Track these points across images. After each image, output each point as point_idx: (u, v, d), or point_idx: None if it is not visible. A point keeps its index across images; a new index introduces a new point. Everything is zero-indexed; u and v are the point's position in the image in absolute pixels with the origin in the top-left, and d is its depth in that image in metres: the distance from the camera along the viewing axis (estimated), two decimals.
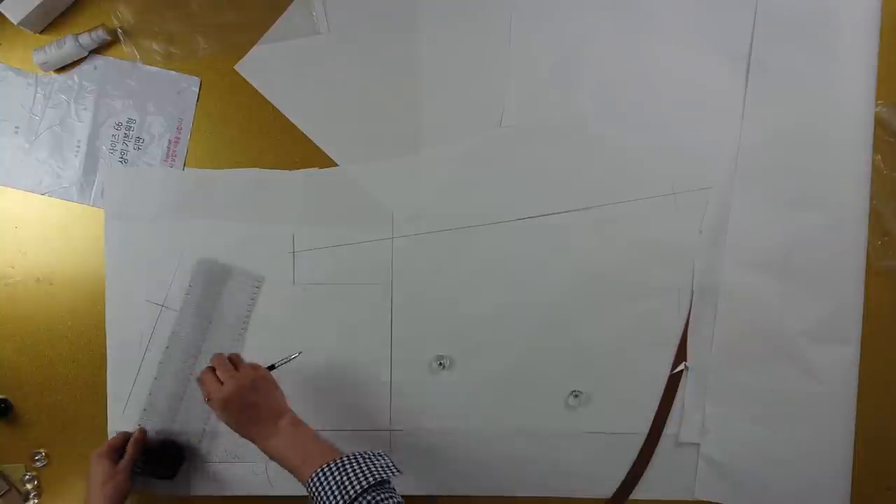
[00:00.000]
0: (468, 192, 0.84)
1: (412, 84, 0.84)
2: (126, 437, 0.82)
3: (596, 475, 0.86)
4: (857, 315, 0.82)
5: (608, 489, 0.86)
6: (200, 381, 0.72)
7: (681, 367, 0.84)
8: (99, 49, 0.85)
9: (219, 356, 0.74)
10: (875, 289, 0.82)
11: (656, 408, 0.85)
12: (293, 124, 0.85)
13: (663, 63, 0.82)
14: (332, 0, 0.83)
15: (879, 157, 0.82)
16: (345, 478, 0.61)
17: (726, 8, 0.81)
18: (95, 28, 0.82)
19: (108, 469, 0.78)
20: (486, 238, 0.84)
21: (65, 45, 0.82)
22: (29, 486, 0.89)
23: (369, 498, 0.60)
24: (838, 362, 0.82)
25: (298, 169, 0.85)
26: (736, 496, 0.85)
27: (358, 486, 0.60)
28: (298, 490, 0.85)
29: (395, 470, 0.64)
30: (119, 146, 0.86)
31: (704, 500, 0.85)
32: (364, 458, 0.64)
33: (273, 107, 0.85)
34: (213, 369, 0.72)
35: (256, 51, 0.84)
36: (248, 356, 0.76)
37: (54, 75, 0.85)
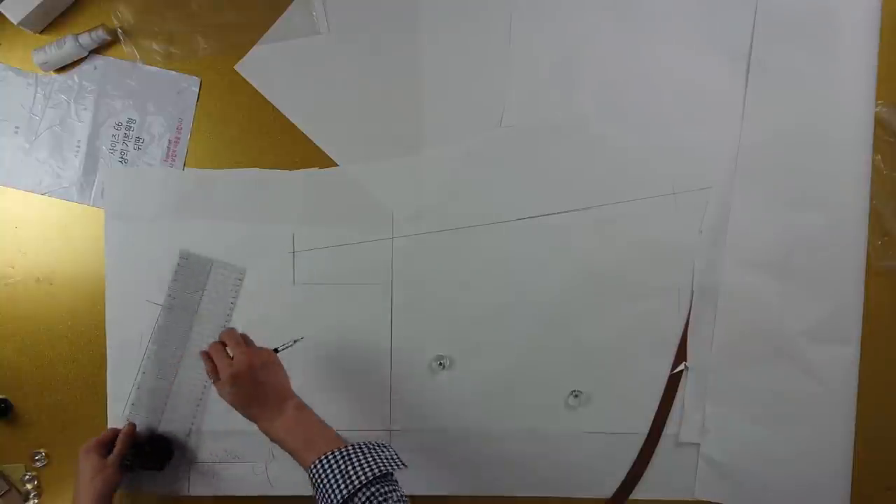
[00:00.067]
0: (468, 192, 0.84)
1: (412, 84, 0.84)
2: (115, 433, 0.82)
3: (596, 475, 0.86)
4: (857, 315, 0.82)
5: (608, 489, 0.86)
6: (209, 355, 0.71)
7: (681, 367, 0.84)
8: (99, 49, 0.85)
9: (230, 331, 0.73)
10: (875, 289, 0.82)
11: (656, 408, 0.85)
12: (293, 124, 0.85)
13: (663, 63, 0.82)
14: (332, 0, 0.83)
15: (879, 157, 0.82)
16: (349, 467, 0.61)
17: (726, 8, 0.81)
18: (95, 28, 0.83)
19: (97, 463, 0.78)
20: (486, 238, 0.84)
21: (65, 45, 0.82)
22: (29, 486, 0.89)
23: (373, 490, 0.60)
24: (838, 362, 0.82)
25: (298, 169, 0.85)
26: (736, 496, 0.85)
27: (363, 477, 0.60)
28: (298, 490, 0.85)
29: (399, 463, 0.64)
30: (119, 146, 0.86)
31: (704, 500, 0.85)
32: (369, 449, 0.63)
33: (273, 107, 0.85)
34: (223, 344, 0.72)
35: (256, 51, 0.84)
36: None
37: (54, 75, 0.85)
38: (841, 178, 0.81)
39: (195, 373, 0.85)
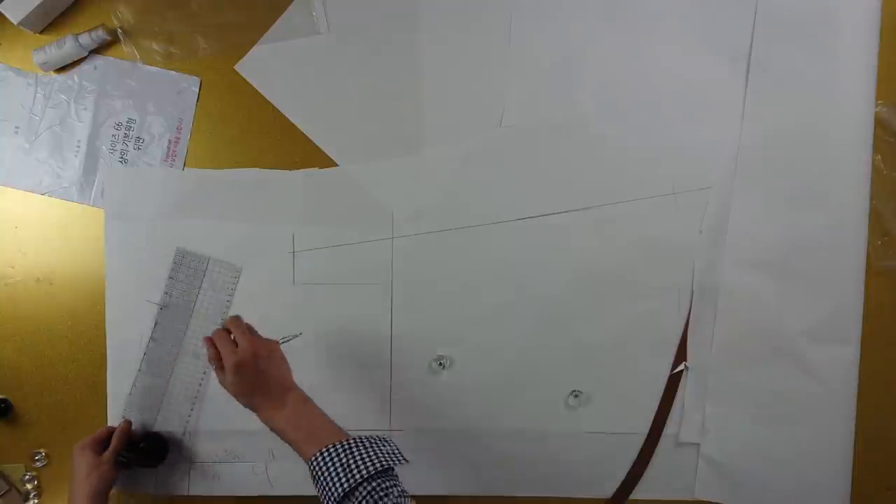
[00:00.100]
0: (468, 192, 0.84)
1: (412, 84, 0.84)
2: (110, 431, 0.82)
3: (596, 475, 0.86)
4: (857, 315, 0.82)
5: (608, 489, 0.86)
6: (213, 341, 0.70)
7: (681, 367, 0.84)
8: (99, 49, 0.85)
9: (235, 319, 0.72)
10: (875, 289, 0.82)
11: (656, 408, 0.85)
12: (293, 124, 0.85)
13: (663, 63, 0.82)
14: (332, 0, 0.83)
15: (879, 157, 0.82)
16: (351, 461, 0.60)
17: (726, 8, 0.81)
18: (95, 28, 0.83)
19: (92, 460, 0.78)
20: (486, 238, 0.84)
21: (65, 45, 0.82)
22: (29, 486, 0.89)
23: (374, 485, 0.59)
24: (838, 362, 0.82)
25: (298, 169, 0.85)
26: (736, 496, 0.85)
27: (364, 471, 0.60)
28: (298, 490, 0.85)
29: (401, 458, 0.63)
30: (119, 146, 0.86)
31: (704, 500, 0.85)
32: (371, 443, 0.63)
33: (273, 107, 0.85)
34: (227, 332, 0.71)
35: (256, 51, 0.84)
36: None
37: (54, 75, 0.85)
38: (841, 178, 0.81)
39: (191, 371, 0.85)
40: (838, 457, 0.83)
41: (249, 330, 0.73)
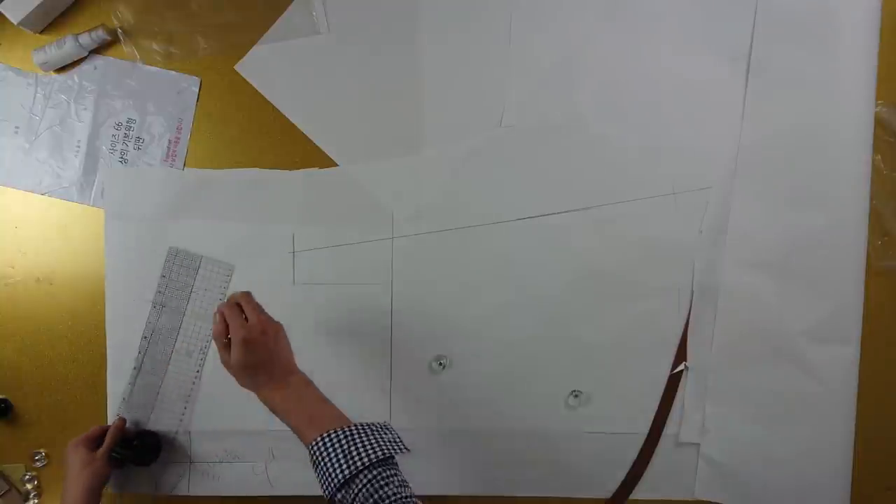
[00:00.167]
0: (468, 192, 0.84)
1: (412, 84, 0.84)
2: (103, 429, 0.83)
3: (596, 475, 0.86)
4: (857, 315, 0.82)
5: (608, 489, 0.86)
6: (223, 314, 0.69)
7: (681, 367, 0.84)
8: (99, 49, 0.85)
9: (247, 294, 0.72)
10: (875, 289, 0.82)
11: (656, 408, 0.85)
12: (293, 124, 0.85)
13: (663, 63, 0.82)
14: (332, 0, 0.83)
15: (879, 157, 0.82)
16: (352, 448, 0.60)
17: (726, 8, 0.81)
18: (95, 28, 0.83)
19: (85, 456, 0.78)
20: (486, 238, 0.84)
21: (65, 45, 0.82)
22: (29, 486, 0.89)
23: (375, 473, 0.59)
24: (838, 362, 0.82)
25: (298, 169, 0.85)
26: (736, 496, 0.85)
27: (366, 459, 0.59)
28: (298, 490, 0.85)
29: (402, 446, 0.63)
30: (119, 146, 0.86)
31: (704, 500, 0.85)
32: (373, 430, 0.63)
33: (273, 107, 0.85)
34: (238, 307, 0.70)
35: (256, 51, 0.84)
36: None
37: (54, 75, 0.85)
38: (841, 178, 0.81)
39: (185, 370, 0.85)
40: (838, 457, 0.83)
41: (259, 309, 0.72)
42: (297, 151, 0.85)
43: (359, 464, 0.59)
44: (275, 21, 0.84)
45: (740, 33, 0.81)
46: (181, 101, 0.85)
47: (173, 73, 0.85)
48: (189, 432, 0.86)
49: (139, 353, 0.85)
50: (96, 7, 0.85)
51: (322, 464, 0.60)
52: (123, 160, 0.86)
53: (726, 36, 0.82)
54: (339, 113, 0.84)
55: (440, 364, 0.85)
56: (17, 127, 0.86)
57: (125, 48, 0.85)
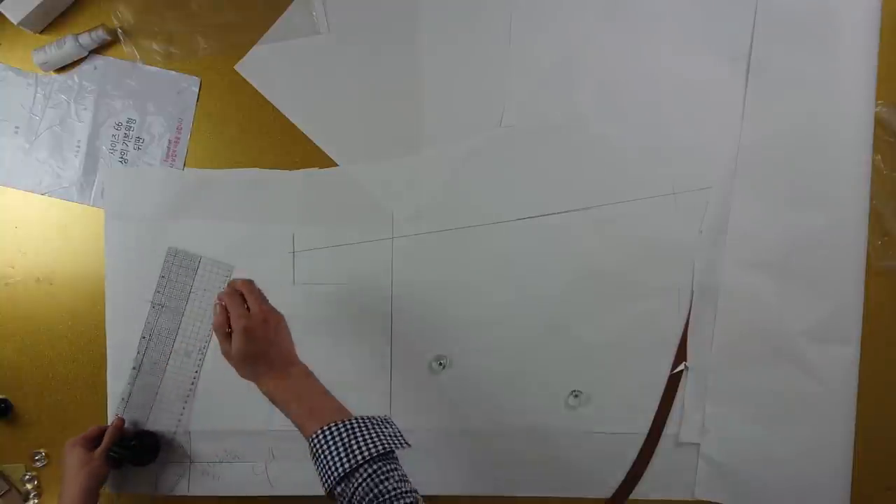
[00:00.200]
0: (468, 192, 0.84)
1: (412, 84, 0.84)
2: (102, 429, 0.83)
3: (596, 475, 0.86)
4: (857, 315, 0.82)
5: (608, 489, 0.86)
6: (225, 301, 0.68)
7: (681, 367, 0.84)
8: (99, 49, 0.85)
9: (249, 283, 0.71)
10: (875, 289, 0.82)
11: (656, 408, 0.85)
12: (293, 124, 0.85)
13: (663, 63, 0.82)
14: (332, 0, 0.83)
15: (879, 157, 0.82)
16: (352, 441, 0.60)
17: (726, 8, 0.81)
18: (95, 28, 0.83)
19: (83, 456, 0.78)
20: (486, 238, 0.84)
21: (65, 45, 0.82)
22: (29, 486, 0.89)
23: (375, 467, 0.58)
24: (838, 362, 0.82)
25: (298, 169, 0.85)
26: (736, 496, 0.85)
27: (367, 453, 0.59)
28: (298, 490, 0.85)
29: (403, 441, 0.62)
30: (119, 146, 0.86)
31: (704, 500, 0.85)
32: (374, 424, 0.62)
33: (273, 107, 0.85)
34: (240, 295, 0.69)
35: (256, 51, 0.84)
36: None
37: (54, 75, 0.85)
38: (841, 178, 0.81)
39: (183, 370, 0.85)
40: (838, 457, 0.83)
41: (262, 298, 0.72)
42: (297, 151, 0.85)
43: (359, 457, 0.58)
44: (275, 21, 0.84)
45: (740, 33, 0.81)
46: (181, 101, 0.85)
47: (173, 73, 0.85)
48: (189, 432, 0.86)
49: (138, 353, 0.85)
50: (96, 7, 0.85)
51: (322, 457, 0.60)
52: (123, 160, 0.86)
53: (726, 36, 0.82)
54: (339, 113, 0.84)
55: (440, 364, 0.85)
56: (17, 127, 0.86)
57: (125, 48, 0.85)
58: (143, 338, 0.85)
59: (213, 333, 0.70)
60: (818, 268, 0.81)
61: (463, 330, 0.85)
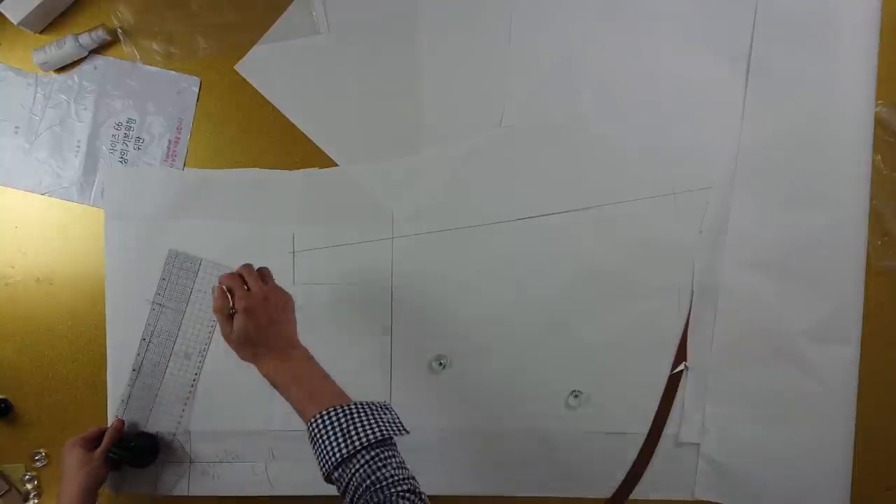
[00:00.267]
0: (468, 192, 0.84)
1: (412, 84, 0.84)
2: (101, 430, 0.83)
3: (596, 475, 0.86)
4: (857, 315, 0.82)
5: (608, 489, 0.86)
6: (225, 283, 0.68)
7: (681, 367, 0.84)
8: (99, 49, 0.85)
9: (248, 266, 0.71)
10: (875, 289, 0.82)
11: (656, 408, 0.85)
12: (293, 124, 0.85)
13: (663, 63, 0.82)
14: (332, 0, 0.83)
15: (879, 157, 0.82)
16: (351, 427, 0.59)
17: (726, 8, 0.81)
18: (95, 28, 0.83)
19: (82, 456, 0.78)
20: (486, 238, 0.84)
21: (65, 45, 0.82)
22: (29, 486, 0.89)
23: (373, 453, 0.58)
24: (838, 362, 0.82)
25: (298, 169, 0.85)
26: (736, 496, 0.85)
27: (364, 439, 0.59)
28: (298, 490, 0.85)
29: (402, 428, 0.62)
30: (119, 146, 0.86)
31: (704, 500, 0.85)
32: (373, 410, 0.62)
33: (273, 107, 0.85)
34: (241, 277, 0.69)
35: (256, 51, 0.84)
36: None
37: (54, 75, 0.85)
38: (841, 178, 0.81)
39: (183, 372, 0.85)
40: (838, 457, 0.83)
41: (264, 276, 0.72)
42: (297, 151, 0.85)
43: (357, 444, 0.58)
44: (275, 21, 0.84)
45: (740, 33, 0.81)
46: (181, 101, 0.85)
47: (173, 73, 0.85)
48: (188, 432, 0.86)
49: (138, 355, 0.85)
50: (96, 7, 0.85)
51: (320, 441, 0.60)
52: (123, 160, 0.86)
53: (726, 36, 0.82)
54: (339, 113, 0.84)
55: (440, 364, 0.85)
56: (17, 127, 0.86)
57: (125, 48, 0.85)
58: (144, 339, 0.85)
59: (214, 316, 0.69)
60: (818, 268, 0.81)
61: (463, 330, 0.85)
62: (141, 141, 0.86)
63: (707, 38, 0.82)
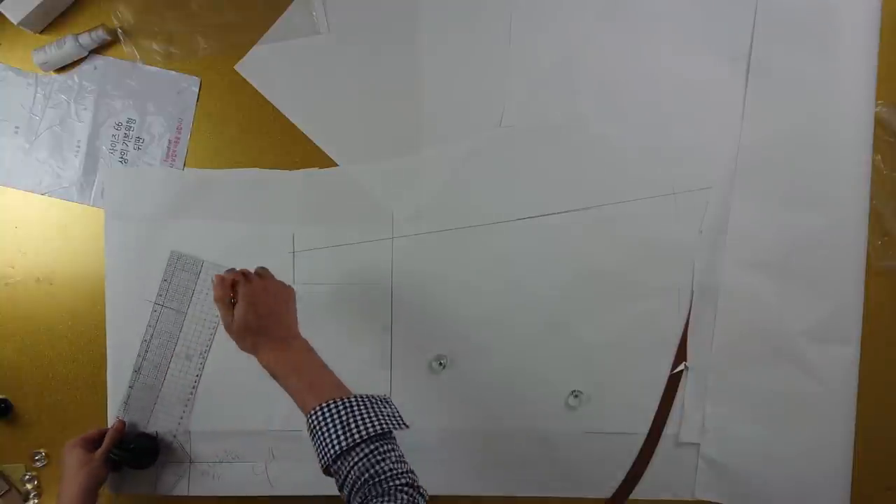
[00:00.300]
0: (468, 192, 0.84)
1: (412, 84, 0.84)
2: (102, 432, 0.83)
3: (596, 475, 0.86)
4: (857, 315, 0.82)
5: (608, 489, 0.86)
6: (229, 275, 0.70)
7: (681, 367, 0.84)
8: (99, 49, 0.85)
9: (244, 270, 0.73)
10: (875, 289, 0.82)
11: (656, 408, 0.85)
12: (293, 124, 0.85)
13: (663, 63, 0.82)
14: (332, 0, 0.83)
15: (879, 157, 0.82)
16: (351, 420, 0.59)
17: (726, 8, 0.81)
18: (95, 28, 0.83)
19: (83, 457, 0.78)
20: (486, 238, 0.84)
21: (65, 45, 0.82)
22: (29, 486, 0.89)
23: (373, 447, 0.58)
24: (838, 362, 0.82)
25: (298, 169, 0.85)
26: (736, 496, 0.85)
27: (364, 432, 0.58)
28: (298, 490, 0.85)
29: (401, 422, 0.62)
30: (119, 146, 0.86)
31: (704, 500, 0.85)
32: (373, 403, 0.62)
33: (273, 107, 0.85)
34: (240, 271, 0.72)
35: (256, 51, 0.84)
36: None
37: (54, 75, 0.85)
38: (841, 178, 0.81)
39: (185, 374, 0.85)
40: (838, 457, 0.83)
41: (265, 276, 0.73)
42: (297, 151, 0.85)
43: (356, 437, 0.58)
44: (275, 21, 0.84)
45: (740, 33, 0.81)
46: (181, 101, 0.85)
47: (173, 73, 0.85)
48: (189, 432, 0.86)
49: (139, 356, 0.85)
50: (96, 7, 0.85)
51: (319, 433, 0.60)
52: (123, 160, 0.86)
53: (726, 36, 0.82)
54: (339, 113, 0.84)
55: (440, 364, 0.85)
56: (17, 127, 0.86)
57: (125, 48, 0.85)
58: (145, 340, 0.85)
59: (215, 305, 0.70)
60: (818, 268, 0.81)
61: (463, 330, 0.85)
62: (141, 141, 0.86)
63: (707, 38, 0.82)
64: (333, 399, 0.61)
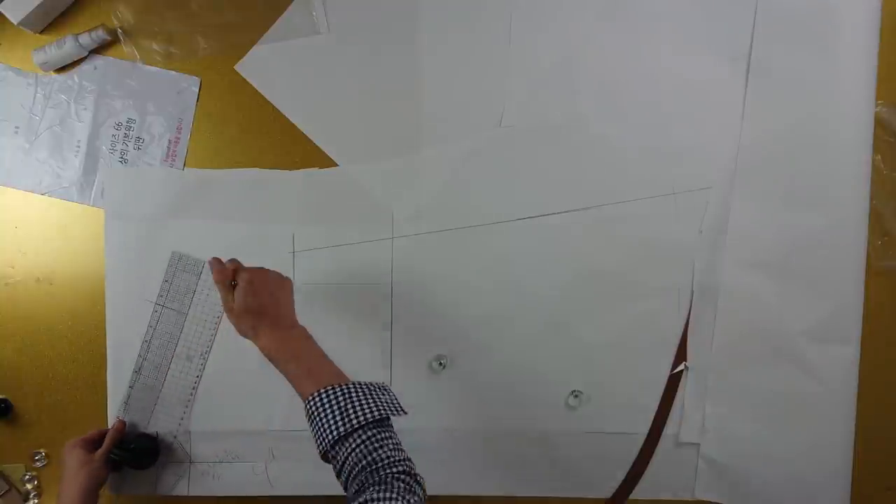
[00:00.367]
0: (468, 192, 0.84)
1: (412, 84, 0.84)
2: (102, 433, 0.83)
3: (596, 475, 0.86)
4: (857, 315, 0.82)
5: (608, 489, 0.86)
6: (228, 266, 0.71)
7: (681, 367, 0.84)
8: (99, 49, 0.85)
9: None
10: (875, 289, 0.82)
11: (656, 408, 0.85)
12: (293, 124, 0.85)
13: (663, 63, 0.82)
14: (332, 0, 0.83)
15: (879, 157, 0.82)
16: (349, 406, 0.59)
17: (726, 8, 0.81)
18: (95, 28, 0.83)
19: (83, 457, 0.78)
20: (486, 238, 0.84)
21: (65, 45, 0.82)
22: (29, 486, 0.89)
23: (370, 433, 0.59)
24: (838, 362, 0.82)
25: (298, 169, 0.85)
26: (736, 496, 0.85)
27: (361, 418, 0.59)
28: (298, 490, 0.85)
29: (400, 408, 0.63)
30: (119, 146, 0.86)
31: (704, 500, 0.85)
32: (371, 390, 0.62)
33: (273, 107, 0.85)
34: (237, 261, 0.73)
35: (256, 51, 0.84)
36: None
37: (54, 75, 0.85)
38: (841, 178, 0.81)
39: (185, 374, 0.85)
40: (838, 457, 0.83)
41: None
42: (297, 151, 0.85)
43: (354, 422, 0.58)
44: (275, 21, 0.84)
45: (740, 33, 0.81)
46: (181, 101, 0.85)
47: (173, 73, 0.85)
48: (189, 432, 0.86)
49: (139, 356, 0.85)
50: (96, 7, 0.85)
51: (317, 419, 0.60)
52: (123, 160, 0.86)
53: (726, 36, 0.82)
54: (339, 113, 0.84)
55: (440, 364, 0.85)
56: (17, 127, 0.86)
57: (125, 48, 0.85)
58: (145, 341, 0.85)
59: (216, 286, 0.71)
60: (818, 268, 0.81)
61: (463, 330, 0.85)
62: (141, 141, 0.86)
63: (707, 38, 0.82)
64: (332, 385, 0.61)
